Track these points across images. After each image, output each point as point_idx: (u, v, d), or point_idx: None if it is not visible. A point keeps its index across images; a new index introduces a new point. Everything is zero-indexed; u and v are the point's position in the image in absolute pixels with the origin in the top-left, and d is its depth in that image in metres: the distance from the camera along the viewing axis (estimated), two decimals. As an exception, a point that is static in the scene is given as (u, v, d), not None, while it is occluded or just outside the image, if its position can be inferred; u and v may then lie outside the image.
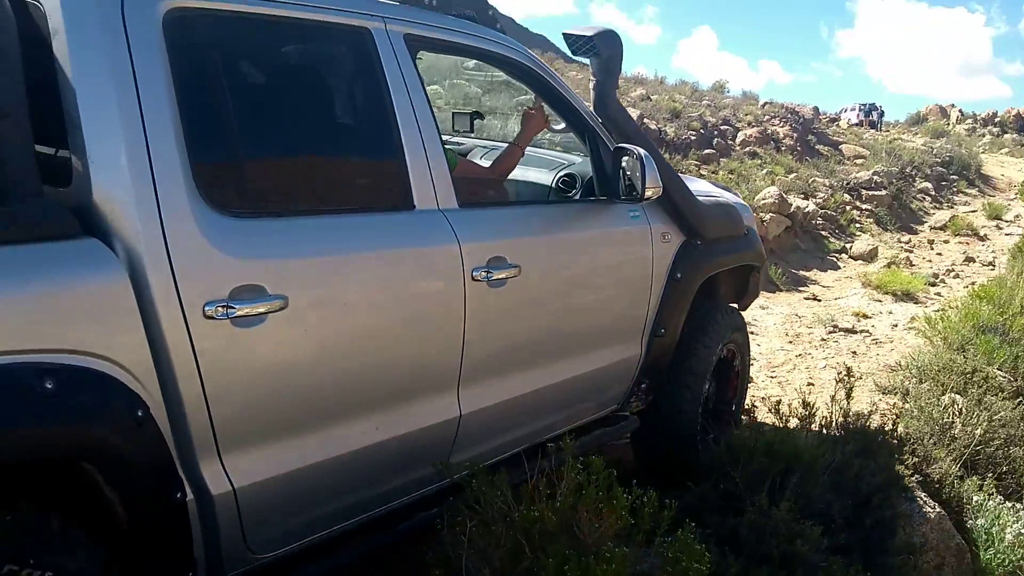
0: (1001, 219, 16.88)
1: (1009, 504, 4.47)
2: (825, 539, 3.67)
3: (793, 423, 4.46)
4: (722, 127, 17.60)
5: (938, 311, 8.97)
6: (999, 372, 7.01)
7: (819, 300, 10.33)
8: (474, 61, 4.48)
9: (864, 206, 15.40)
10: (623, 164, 3.65)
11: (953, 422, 5.42)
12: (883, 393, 6.63)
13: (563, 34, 3.98)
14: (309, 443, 2.56)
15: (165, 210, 2.17)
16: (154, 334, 2.13)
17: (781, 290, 10.53)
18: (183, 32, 2.32)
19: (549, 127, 4.04)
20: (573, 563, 2.56)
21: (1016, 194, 20.42)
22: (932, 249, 14.15)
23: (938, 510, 4.19)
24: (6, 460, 1.85)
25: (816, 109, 24.68)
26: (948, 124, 39.37)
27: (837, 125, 27.09)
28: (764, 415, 5.04)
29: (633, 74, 22.70)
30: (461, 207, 3.02)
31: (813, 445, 4.09)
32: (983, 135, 38.71)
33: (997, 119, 45.67)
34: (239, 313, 2.26)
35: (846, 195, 15.49)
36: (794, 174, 15.73)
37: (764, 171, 15.52)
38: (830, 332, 8.29)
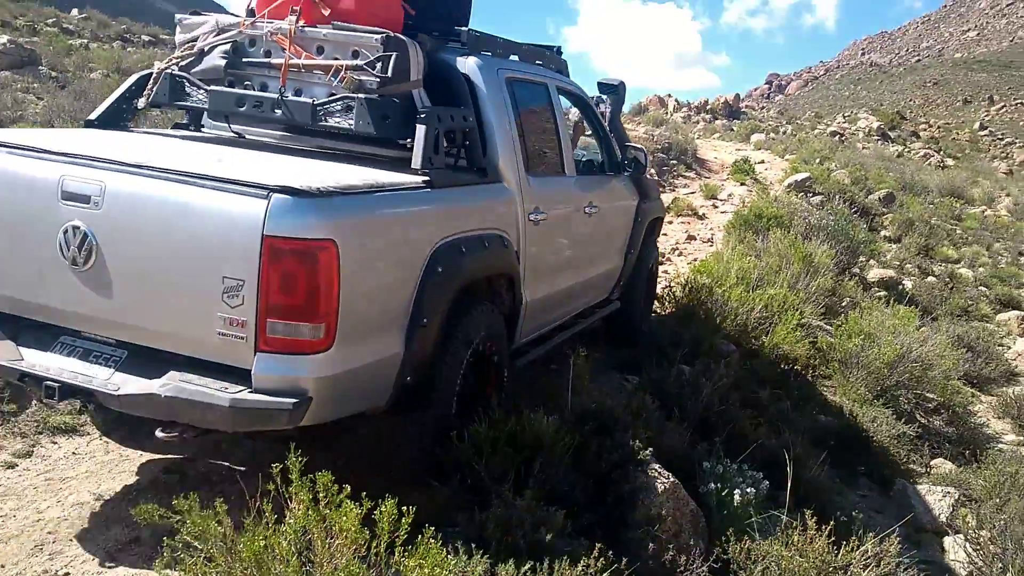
0: (716, 198, 18.15)
1: (735, 466, 4.72)
2: (569, 522, 3.71)
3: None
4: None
5: (665, 288, 9.47)
6: (721, 341, 7.51)
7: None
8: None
9: (595, 192, 15.99)
10: (631, 155, 6.91)
11: (682, 392, 5.71)
12: (620, 371, 6.89)
13: (598, 82, 7.37)
14: (543, 285, 5.28)
15: (520, 172, 4.87)
16: (518, 225, 4.81)
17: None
18: (511, 87, 5.00)
19: (583, 133, 7.02)
20: (305, 588, 2.39)
21: (728, 175, 22.12)
22: (658, 230, 14.90)
23: (672, 479, 4.34)
24: (493, 274, 4.62)
25: (547, 102, 25.40)
26: (666, 113, 42.18)
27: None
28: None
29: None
30: (578, 175, 5.97)
31: (553, 429, 4.12)
32: (697, 122, 41.80)
33: (708, 107, 49.56)
34: (537, 219, 5.00)
35: (578, 182, 16.00)
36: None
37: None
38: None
